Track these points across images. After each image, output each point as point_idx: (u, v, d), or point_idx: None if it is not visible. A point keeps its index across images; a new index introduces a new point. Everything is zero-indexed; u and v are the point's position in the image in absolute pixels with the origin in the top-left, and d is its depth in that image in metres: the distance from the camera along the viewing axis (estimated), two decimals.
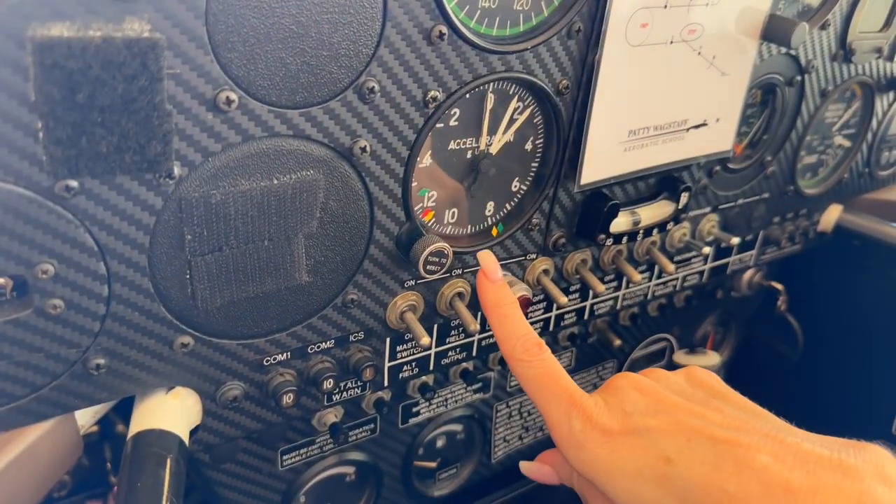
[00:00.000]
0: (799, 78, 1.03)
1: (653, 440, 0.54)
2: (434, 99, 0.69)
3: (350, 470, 0.98)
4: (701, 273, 1.16)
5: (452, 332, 0.88)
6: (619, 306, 1.07)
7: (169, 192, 0.59)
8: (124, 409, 0.71)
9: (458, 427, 1.08)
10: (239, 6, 0.54)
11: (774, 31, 0.87)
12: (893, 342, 1.29)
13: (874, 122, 1.21)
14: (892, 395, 1.30)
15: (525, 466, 0.70)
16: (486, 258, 0.73)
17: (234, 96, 0.57)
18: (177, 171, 0.58)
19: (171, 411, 0.68)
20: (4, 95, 0.48)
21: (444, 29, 0.65)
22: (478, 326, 0.80)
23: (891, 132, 1.27)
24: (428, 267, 0.73)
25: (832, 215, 1.28)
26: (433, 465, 1.08)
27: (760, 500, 0.48)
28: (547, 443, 1.21)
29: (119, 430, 0.94)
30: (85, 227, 0.56)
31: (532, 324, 0.96)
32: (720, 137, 0.95)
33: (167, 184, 0.58)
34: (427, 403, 1.00)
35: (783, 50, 0.98)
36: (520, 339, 0.66)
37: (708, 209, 1.07)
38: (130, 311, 0.62)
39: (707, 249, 1.04)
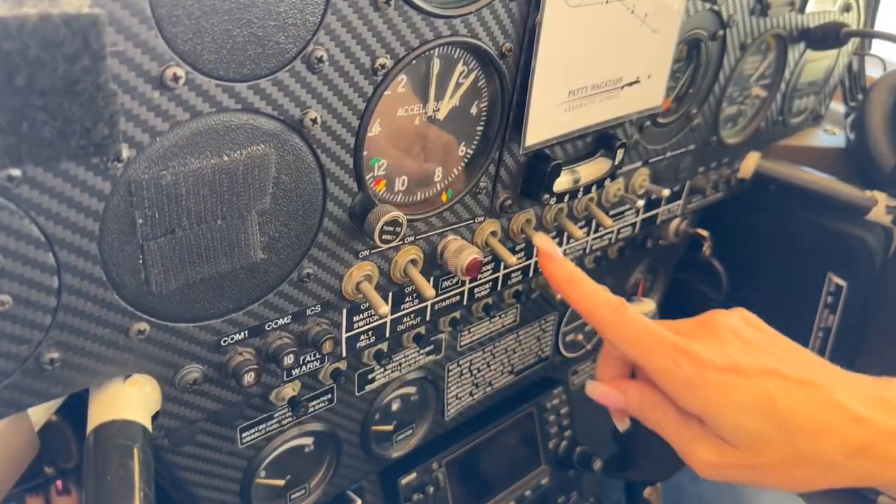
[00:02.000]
0: (721, 32, 1.07)
1: (756, 380, 0.65)
2: (383, 66, 0.68)
3: (309, 441, 0.98)
4: (633, 225, 1.20)
5: (407, 299, 0.89)
6: None
7: (117, 175, 0.56)
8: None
9: (412, 389, 1.09)
10: None
11: None
12: (808, 279, 1.38)
13: (787, 73, 1.28)
14: (807, 328, 1.41)
15: (596, 387, 0.77)
16: (544, 241, 0.79)
17: (180, 72, 0.55)
18: (125, 153, 0.55)
19: (131, 400, 0.66)
20: None
21: None
22: (433, 292, 0.81)
23: (801, 81, 1.34)
24: (384, 237, 0.73)
25: (751, 162, 1.35)
26: (390, 428, 1.09)
27: (841, 429, 0.62)
28: (495, 396, 1.25)
29: None
30: (30, 217, 0.53)
31: (481, 285, 0.98)
32: (652, 93, 0.98)
33: (115, 167, 0.55)
34: (382, 369, 1.01)
35: (707, 5, 1.01)
36: (604, 303, 0.71)
37: (639, 163, 1.10)
38: (83, 301, 0.60)
39: (641, 203, 1.08)
